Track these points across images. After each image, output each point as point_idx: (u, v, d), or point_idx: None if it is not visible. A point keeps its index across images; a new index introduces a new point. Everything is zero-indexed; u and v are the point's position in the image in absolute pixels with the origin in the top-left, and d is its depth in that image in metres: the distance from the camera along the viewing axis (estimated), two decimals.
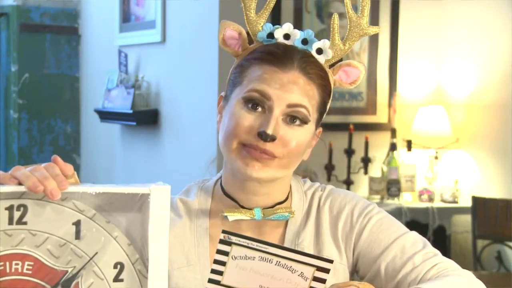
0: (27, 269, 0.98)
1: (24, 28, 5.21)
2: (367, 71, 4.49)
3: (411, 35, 4.59)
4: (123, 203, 1.02)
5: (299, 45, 1.34)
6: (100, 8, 5.09)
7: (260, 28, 1.35)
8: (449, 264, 1.32)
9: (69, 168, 1.03)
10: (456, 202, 4.35)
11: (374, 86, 4.51)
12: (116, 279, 1.00)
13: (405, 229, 1.38)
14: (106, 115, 4.75)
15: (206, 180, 1.45)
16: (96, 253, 1.00)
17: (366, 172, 4.32)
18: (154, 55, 4.44)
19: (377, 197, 4.31)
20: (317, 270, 1.07)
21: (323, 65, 1.36)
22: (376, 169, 4.43)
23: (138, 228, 1.01)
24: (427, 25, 4.63)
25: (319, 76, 1.33)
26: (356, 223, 1.38)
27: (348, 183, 4.24)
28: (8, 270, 0.97)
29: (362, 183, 4.42)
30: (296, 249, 1.13)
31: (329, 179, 4.17)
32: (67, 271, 0.99)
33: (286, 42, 1.34)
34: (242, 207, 1.36)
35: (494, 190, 4.35)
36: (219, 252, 1.08)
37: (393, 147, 4.36)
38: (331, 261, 1.07)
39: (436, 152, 4.47)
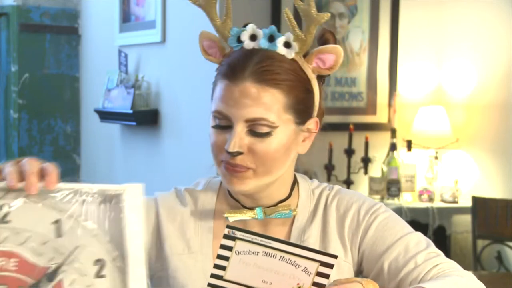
0: (13, 266, 1.01)
1: (24, 28, 5.21)
2: (367, 71, 4.49)
3: (411, 35, 4.59)
4: None
5: (264, 44, 1.33)
6: (100, 8, 5.09)
7: (229, 34, 1.36)
8: (451, 265, 1.33)
9: (51, 167, 1.05)
10: (456, 202, 4.35)
11: (374, 86, 4.51)
12: (98, 275, 1.03)
13: (410, 229, 1.39)
14: (106, 115, 4.75)
15: (214, 177, 1.47)
16: (77, 247, 1.02)
17: (366, 172, 4.32)
18: (154, 55, 4.44)
19: (377, 197, 4.31)
20: (320, 265, 1.07)
21: (291, 60, 1.33)
22: (376, 169, 4.43)
23: (116, 226, 1.03)
24: (427, 25, 4.63)
25: (280, 77, 1.30)
26: (362, 221, 1.39)
27: (348, 183, 4.23)
28: None
29: (362, 183, 4.42)
30: (298, 244, 1.13)
31: (329, 179, 4.17)
32: (50, 267, 1.02)
33: (253, 43, 1.33)
34: (244, 207, 1.38)
35: (494, 190, 4.35)
36: (222, 247, 1.08)
37: (393, 147, 4.36)
38: (335, 256, 1.08)
39: (436, 152, 4.47)
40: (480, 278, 1.32)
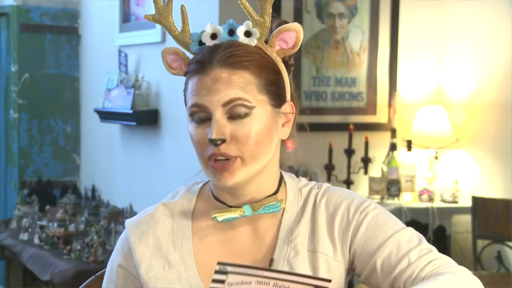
0: None
1: (24, 28, 5.21)
2: (367, 71, 4.49)
3: (411, 35, 4.59)
4: None
5: (226, 38, 1.34)
6: (100, 8, 5.09)
7: (190, 40, 1.37)
8: (444, 261, 1.32)
9: None
10: (456, 202, 4.35)
11: (374, 86, 4.51)
12: None
13: (402, 225, 1.38)
14: (106, 115, 4.75)
15: (197, 182, 1.47)
16: None
17: (366, 172, 4.32)
18: (154, 55, 4.44)
19: (377, 197, 4.31)
20: None
21: (255, 46, 1.34)
22: (376, 169, 4.43)
23: None
24: (427, 25, 4.63)
25: (247, 59, 1.32)
26: (352, 219, 1.38)
27: (348, 183, 4.23)
28: None
29: (362, 183, 4.42)
30: (292, 271, 1.14)
31: (329, 179, 4.17)
32: None
33: (215, 42, 1.34)
34: (230, 207, 1.38)
35: (494, 190, 4.35)
36: (214, 281, 1.08)
37: (393, 147, 4.36)
38: (329, 281, 1.08)
39: (436, 152, 4.47)
40: (480, 278, 1.32)
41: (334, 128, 4.34)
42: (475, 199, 4.10)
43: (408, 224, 1.41)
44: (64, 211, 4.66)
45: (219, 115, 1.30)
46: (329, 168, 4.20)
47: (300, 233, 1.38)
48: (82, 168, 5.38)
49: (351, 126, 4.22)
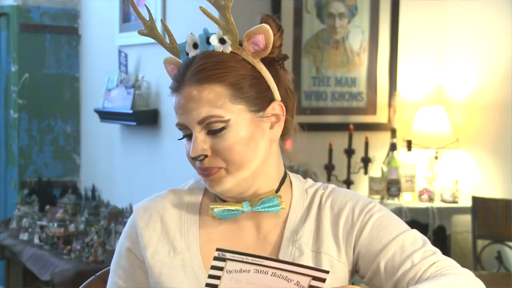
0: None
1: (24, 28, 5.21)
2: (367, 71, 4.49)
3: (411, 35, 4.59)
4: None
5: (204, 48, 1.36)
6: (100, 8, 5.09)
7: (179, 51, 1.41)
8: (448, 263, 1.32)
9: None
10: (456, 202, 4.35)
11: (374, 86, 4.51)
12: None
13: (406, 226, 1.38)
14: (106, 115, 4.75)
15: None
16: None
17: (366, 172, 4.32)
18: (154, 55, 4.44)
19: (377, 197, 4.31)
20: (313, 279, 1.08)
21: (230, 53, 1.35)
22: (376, 169, 4.43)
23: None
24: (427, 25, 4.63)
25: (215, 72, 1.32)
26: (357, 221, 1.38)
27: (348, 183, 4.23)
28: None
29: (362, 183, 4.42)
30: (292, 261, 1.14)
31: (329, 179, 4.17)
32: None
33: (196, 51, 1.36)
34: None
35: (494, 190, 4.35)
36: (213, 267, 1.09)
37: (393, 147, 4.36)
38: (327, 272, 1.08)
39: (436, 152, 4.47)
40: (480, 278, 1.32)
41: (334, 128, 4.34)
42: (475, 199, 4.10)
43: (408, 224, 1.41)
44: (64, 211, 4.66)
45: (197, 131, 1.33)
46: (329, 168, 4.20)
47: (305, 233, 1.39)
48: (82, 168, 5.38)
49: (351, 126, 4.22)
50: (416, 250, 1.33)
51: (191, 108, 1.32)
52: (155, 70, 4.41)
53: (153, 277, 1.38)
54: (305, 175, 3.96)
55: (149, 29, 1.46)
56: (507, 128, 4.30)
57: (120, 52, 4.62)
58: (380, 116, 4.54)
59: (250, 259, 1.08)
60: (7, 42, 5.22)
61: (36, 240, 4.39)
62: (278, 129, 1.38)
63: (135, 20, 4.63)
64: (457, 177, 4.43)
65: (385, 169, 4.37)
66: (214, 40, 1.35)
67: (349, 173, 4.25)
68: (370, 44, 4.49)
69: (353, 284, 1.30)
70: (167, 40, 1.45)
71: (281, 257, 1.37)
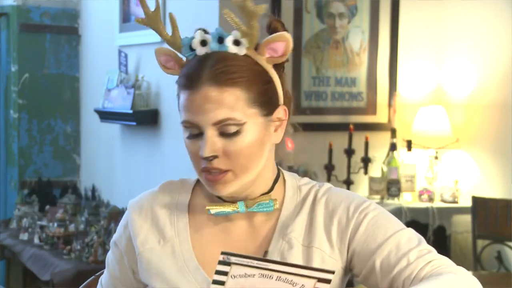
0: None
1: (24, 28, 5.21)
2: (367, 71, 4.49)
3: (411, 35, 4.59)
4: None
5: (215, 47, 1.35)
6: (100, 8, 5.09)
7: (181, 45, 1.38)
8: (443, 262, 1.32)
9: None
10: (456, 202, 4.35)
11: (374, 86, 4.51)
12: None
13: (401, 225, 1.39)
14: (106, 115, 4.75)
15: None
16: None
17: (366, 172, 4.32)
18: (154, 55, 4.44)
19: (377, 197, 4.31)
20: (318, 281, 1.08)
21: (244, 56, 1.34)
22: (376, 169, 4.43)
23: None
24: (427, 25, 4.63)
25: (236, 75, 1.32)
26: (352, 218, 1.38)
27: (348, 183, 4.23)
28: None
29: (362, 183, 4.42)
30: (296, 263, 1.14)
31: (329, 179, 4.17)
32: None
33: (205, 49, 1.35)
34: (226, 201, 1.40)
35: (494, 190, 4.35)
36: (218, 272, 1.09)
37: (393, 147, 4.36)
38: (332, 272, 1.08)
39: (436, 152, 4.47)
40: (480, 278, 1.32)
41: (334, 128, 4.34)
42: (475, 199, 4.10)
43: (408, 224, 1.41)
44: (64, 211, 4.66)
45: (210, 132, 1.32)
46: (329, 168, 4.19)
47: (295, 228, 1.39)
48: (82, 168, 5.38)
49: (351, 126, 4.22)
50: (412, 248, 1.33)
51: (209, 109, 1.31)
52: (155, 70, 4.39)
53: (142, 264, 1.41)
54: (305, 175, 3.96)
55: (150, 19, 1.44)
56: (507, 128, 4.30)
57: (120, 52, 4.62)
58: (380, 116, 4.54)
59: (255, 262, 1.08)
60: (7, 42, 5.22)
61: (36, 240, 4.39)
62: (281, 132, 1.39)
63: (135, 20, 4.63)
64: (457, 177, 4.43)
65: (385, 169, 4.37)
66: (229, 41, 1.34)
67: (349, 173, 4.25)
68: (370, 44, 4.49)
69: (352, 283, 1.30)
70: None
71: (270, 251, 1.37)
